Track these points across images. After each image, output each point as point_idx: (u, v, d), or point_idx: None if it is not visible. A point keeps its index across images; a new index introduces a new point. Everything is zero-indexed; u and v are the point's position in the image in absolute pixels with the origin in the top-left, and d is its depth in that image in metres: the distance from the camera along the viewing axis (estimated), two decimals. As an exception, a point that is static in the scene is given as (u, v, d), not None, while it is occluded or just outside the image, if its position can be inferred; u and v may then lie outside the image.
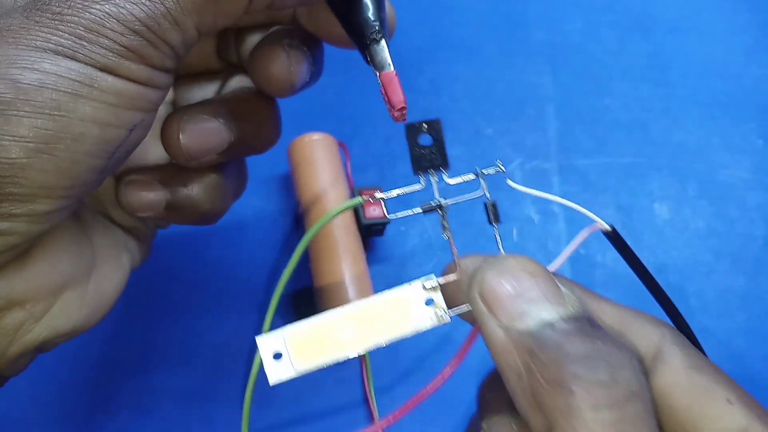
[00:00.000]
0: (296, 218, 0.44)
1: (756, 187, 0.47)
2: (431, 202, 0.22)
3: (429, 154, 0.22)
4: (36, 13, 0.20)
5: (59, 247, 0.24)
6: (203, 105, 0.28)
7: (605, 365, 0.18)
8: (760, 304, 0.42)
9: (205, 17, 0.22)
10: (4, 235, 0.20)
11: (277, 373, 0.21)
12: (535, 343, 0.18)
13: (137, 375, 0.39)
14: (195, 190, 0.28)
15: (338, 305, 0.36)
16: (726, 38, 0.54)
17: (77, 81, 0.20)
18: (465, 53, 0.52)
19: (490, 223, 0.22)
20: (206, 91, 0.31)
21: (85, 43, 0.20)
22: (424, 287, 0.22)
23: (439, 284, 0.22)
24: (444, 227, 0.22)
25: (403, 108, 0.24)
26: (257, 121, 0.29)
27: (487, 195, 0.22)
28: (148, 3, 0.20)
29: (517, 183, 0.22)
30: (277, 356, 0.21)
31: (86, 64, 0.20)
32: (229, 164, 0.30)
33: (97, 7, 0.20)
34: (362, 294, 0.38)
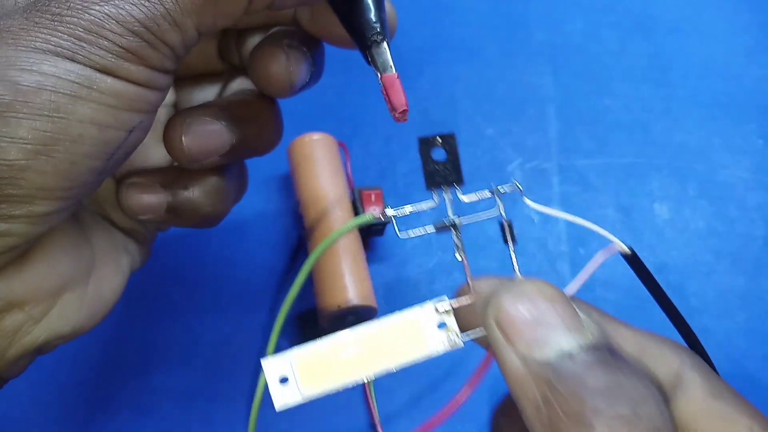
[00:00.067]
0: (296, 218, 0.44)
1: (756, 187, 0.47)
2: (444, 221, 0.21)
3: (443, 170, 0.21)
4: (36, 14, 0.20)
5: (58, 249, 0.24)
6: (205, 107, 0.28)
7: (627, 399, 0.17)
8: (760, 304, 0.42)
9: (205, 18, 0.22)
10: (3, 236, 0.20)
11: (283, 398, 0.20)
12: (554, 374, 0.17)
13: (137, 375, 0.39)
14: (196, 193, 0.28)
15: (338, 305, 0.37)
16: (727, 39, 0.54)
17: (76, 82, 0.20)
18: (465, 54, 0.52)
19: (506, 242, 0.21)
20: (208, 93, 0.31)
21: (84, 45, 0.20)
22: (437, 310, 0.21)
23: (453, 307, 0.21)
24: (458, 247, 0.21)
25: (404, 111, 0.24)
26: (259, 124, 0.29)
27: (503, 214, 0.21)
28: (147, 4, 0.20)
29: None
30: (284, 380, 0.20)
31: (85, 65, 0.20)
32: (230, 167, 0.30)
33: (97, 8, 0.20)
34: (362, 293, 0.38)
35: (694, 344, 0.22)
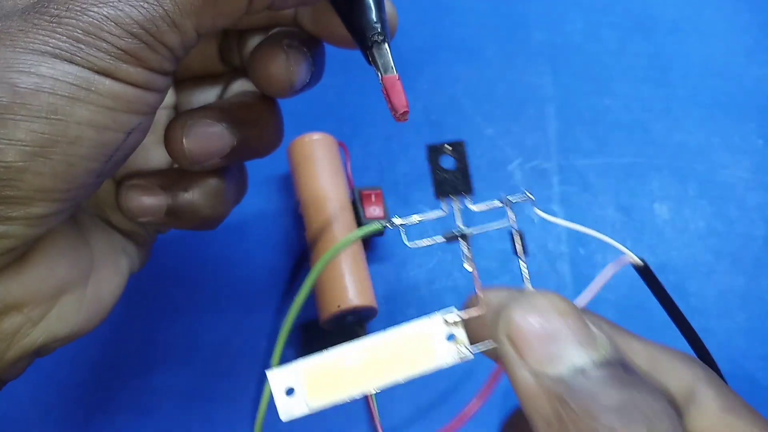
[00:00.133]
0: (296, 218, 0.44)
1: (756, 187, 0.47)
2: (454, 231, 0.21)
3: (452, 179, 0.21)
4: (34, 15, 0.20)
5: (57, 251, 0.24)
6: (206, 109, 0.28)
7: (641, 416, 0.17)
8: (760, 304, 0.42)
9: (204, 19, 0.21)
10: (1, 238, 0.20)
11: (289, 410, 0.20)
12: (566, 390, 0.17)
13: (137, 375, 0.39)
14: (196, 195, 0.28)
15: (338, 305, 0.37)
16: (727, 39, 0.54)
17: (74, 84, 0.20)
18: (465, 54, 0.52)
19: (516, 254, 0.21)
20: (209, 94, 0.31)
21: (82, 46, 0.20)
22: (446, 322, 0.20)
23: (462, 319, 0.21)
24: (467, 257, 0.21)
25: (405, 112, 0.24)
26: (260, 125, 0.29)
27: (514, 225, 0.21)
28: (146, 5, 0.20)
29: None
30: (289, 392, 0.20)
31: (84, 67, 0.20)
32: (230, 169, 0.30)
33: (95, 9, 0.20)
34: (362, 294, 0.37)
35: (704, 357, 0.22)
